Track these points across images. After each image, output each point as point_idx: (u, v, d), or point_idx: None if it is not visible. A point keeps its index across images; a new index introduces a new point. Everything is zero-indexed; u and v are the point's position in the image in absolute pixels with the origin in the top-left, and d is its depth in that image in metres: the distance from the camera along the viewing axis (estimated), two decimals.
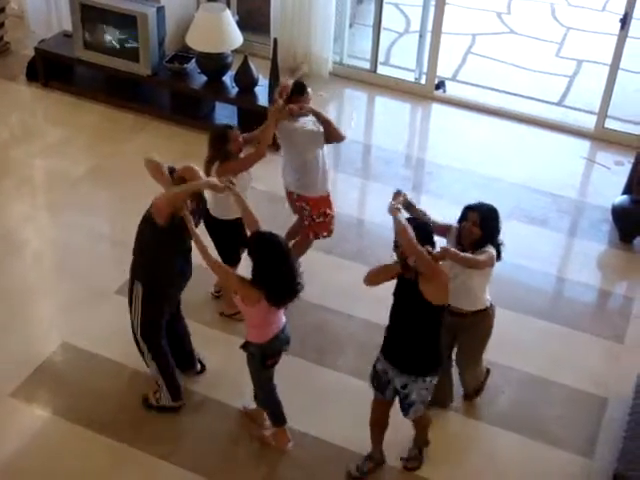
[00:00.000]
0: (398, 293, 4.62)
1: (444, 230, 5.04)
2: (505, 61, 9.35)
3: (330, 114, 8.49)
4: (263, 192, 6.79)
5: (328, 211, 6.03)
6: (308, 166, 5.79)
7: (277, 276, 4.59)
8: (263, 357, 4.88)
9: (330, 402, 5.51)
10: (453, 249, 4.74)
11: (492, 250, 4.87)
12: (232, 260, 5.64)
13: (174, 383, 5.30)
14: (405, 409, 4.83)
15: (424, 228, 4.58)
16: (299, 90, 5.72)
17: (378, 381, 4.84)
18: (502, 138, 8.13)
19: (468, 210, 4.92)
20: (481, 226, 4.86)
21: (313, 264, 6.36)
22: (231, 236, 5.67)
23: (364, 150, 7.96)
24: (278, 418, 5.16)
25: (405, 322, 4.64)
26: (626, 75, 8.47)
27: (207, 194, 5.23)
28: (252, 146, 5.69)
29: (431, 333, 4.63)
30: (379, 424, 5.02)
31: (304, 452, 5.21)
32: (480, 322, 5.11)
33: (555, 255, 6.87)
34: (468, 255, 4.81)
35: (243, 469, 5.12)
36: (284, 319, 4.89)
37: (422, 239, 4.44)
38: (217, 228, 5.72)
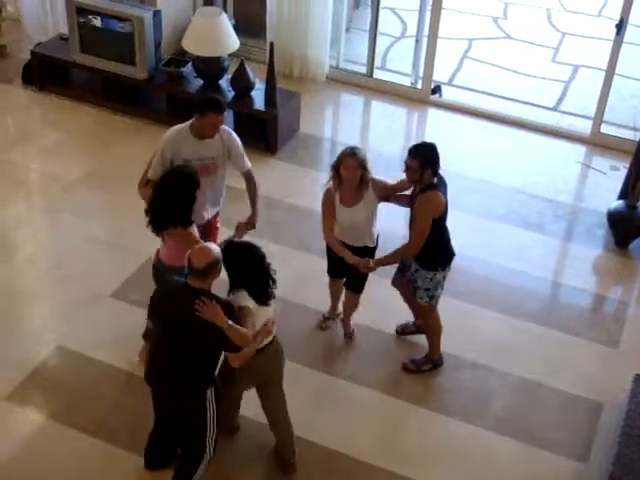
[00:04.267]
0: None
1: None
2: (501, 66, 9.36)
3: (326, 119, 8.59)
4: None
5: None
6: None
7: None
8: None
9: (326, 408, 5.51)
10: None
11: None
12: None
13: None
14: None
15: None
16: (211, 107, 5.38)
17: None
18: (498, 143, 8.13)
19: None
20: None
21: (310, 269, 6.36)
22: None
23: None
24: None
25: None
26: (622, 80, 8.47)
27: None
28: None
29: None
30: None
31: (300, 456, 5.16)
32: None
33: (550, 260, 6.87)
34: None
35: (238, 472, 5.10)
36: None
37: None
38: None
